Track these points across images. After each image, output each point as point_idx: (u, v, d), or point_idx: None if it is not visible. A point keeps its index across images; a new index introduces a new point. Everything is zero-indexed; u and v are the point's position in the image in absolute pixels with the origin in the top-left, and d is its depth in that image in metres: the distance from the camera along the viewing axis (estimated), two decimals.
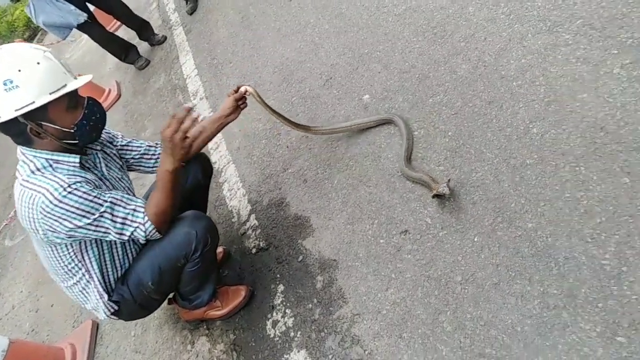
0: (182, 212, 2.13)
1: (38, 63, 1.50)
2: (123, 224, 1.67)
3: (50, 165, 1.62)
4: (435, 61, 2.31)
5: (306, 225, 2.30)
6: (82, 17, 4.29)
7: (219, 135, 3.26)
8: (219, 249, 2.55)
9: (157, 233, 1.74)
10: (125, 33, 5.53)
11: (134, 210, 1.69)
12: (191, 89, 4.08)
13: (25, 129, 1.54)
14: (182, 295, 2.15)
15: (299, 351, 1.93)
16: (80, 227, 1.59)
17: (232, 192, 2.84)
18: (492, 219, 1.72)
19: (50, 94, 1.51)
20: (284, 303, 2.11)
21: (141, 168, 2.14)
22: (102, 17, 5.05)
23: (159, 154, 2.11)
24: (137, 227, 1.68)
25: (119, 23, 5.83)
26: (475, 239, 1.72)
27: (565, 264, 1.49)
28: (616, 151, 1.57)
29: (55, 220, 1.55)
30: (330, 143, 2.51)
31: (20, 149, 1.65)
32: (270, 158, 2.78)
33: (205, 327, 2.34)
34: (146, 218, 1.69)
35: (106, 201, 1.62)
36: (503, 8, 2.21)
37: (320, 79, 2.86)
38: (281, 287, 2.17)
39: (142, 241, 1.76)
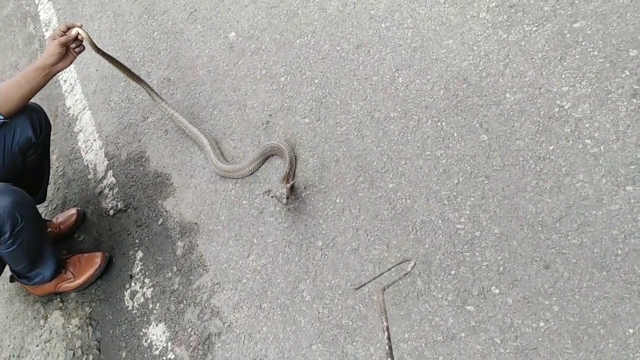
0: (14, 179, 1.82)
1: None
2: None
3: None
4: None
5: (167, 184, 2.06)
6: None
7: (74, 75, 2.82)
8: (72, 211, 2.24)
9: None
10: None
11: None
12: (43, 17, 3.46)
13: None
14: (19, 274, 1.87)
15: (157, 325, 1.77)
16: None
17: (88, 143, 2.47)
18: (354, 179, 1.59)
19: None
20: (143, 272, 1.91)
21: None
22: None
23: None
24: None
25: None
26: (337, 200, 1.59)
27: (422, 228, 1.42)
28: (477, 105, 1.48)
29: None
30: (193, 88, 2.21)
31: None
32: (129, 104, 2.42)
33: (59, 299, 2.09)
34: None
35: None
36: None
37: (185, 10, 2.48)
38: (140, 254, 1.96)
39: None
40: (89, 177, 2.36)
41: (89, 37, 1.73)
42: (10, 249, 1.61)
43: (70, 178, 2.43)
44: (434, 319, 1.30)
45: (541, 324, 1.20)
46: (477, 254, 1.32)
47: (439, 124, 1.52)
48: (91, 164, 2.39)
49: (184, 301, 1.75)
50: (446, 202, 1.41)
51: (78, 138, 2.54)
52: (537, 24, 1.51)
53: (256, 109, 1.96)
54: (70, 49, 1.71)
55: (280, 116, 1.87)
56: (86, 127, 2.54)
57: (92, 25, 2.95)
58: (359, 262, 1.47)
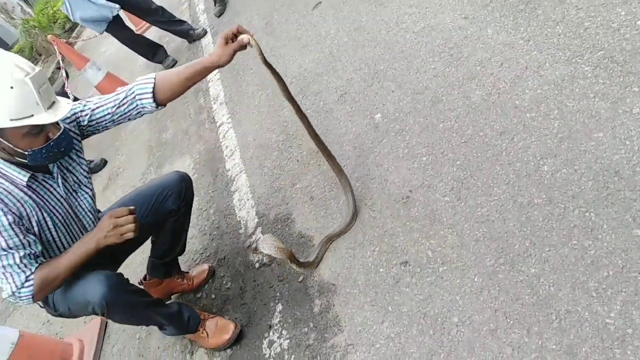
0: (152, 232, 2.15)
1: (11, 87, 1.45)
2: (4, 272, 1.59)
3: None
4: (450, 84, 2.23)
5: (309, 245, 2.27)
6: (115, 8, 4.41)
7: (235, 142, 3.28)
8: (204, 267, 2.54)
9: (29, 299, 1.62)
10: (157, 32, 5.60)
11: (18, 265, 1.60)
12: (212, 92, 4.10)
13: None
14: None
15: None
16: None
17: (242, 202, 2.83)
18: (494, 260, 1.64)
19: (11, 120, 1.47)
20: (281, 323, 2.09)
21: (122, 121, 1.91)
22: (132, 17, 5.13)
23: (133, 94, 1.84)
24: (12, 284, 1.59)
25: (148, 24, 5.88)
26: (475, 279, 1.65)
27: (566, 318, 1.41)
28: (630, 199, 1.47)
29: None
30: (339, 161, 2.45)
31: None
32: (280, 171, 2.76)
33: None
34: (30, 282, 1.61)
35: (3, 248, 1.57)
36: (522, 33, 2.11)
37: (335, 93, 2.81)
38: (280, 307, 2.15)
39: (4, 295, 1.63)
40: (240, 231, 2.68)
41: (259, 47, 1.73)
42: (116, 322, 1.88)
43: (223, 231, 2.77)
44: None
45: None
46: (629, 352, 1.27)
47: (586, 214, 1.53)
48: (243, 220, 2.72)
49: (318, 357, 1.87)
50: (594, 295, 1.39)
51: (233, 197, 2.92)
52: None
53: (397, 184, 2.12)
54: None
55: (421, 192, 2.00)
56: (241, 188, 2.91)
57: (253, 101, 3.45)
58: (497, 344, 1.49)
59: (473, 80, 2.16)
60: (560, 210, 1.59)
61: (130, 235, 1.71)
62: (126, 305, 1.78)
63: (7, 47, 10.95)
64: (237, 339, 2.15)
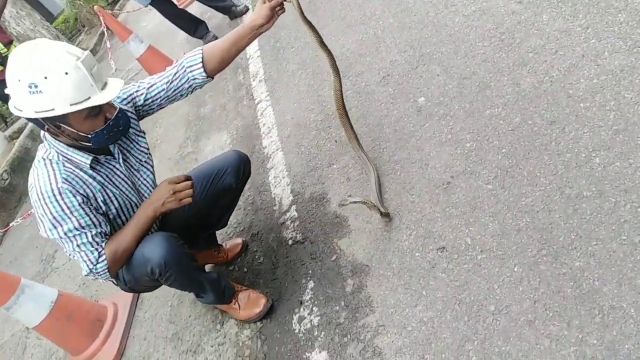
0: (204, 215, 2.19)
1: (66, 73, 1.50)
2: (79, 250, 1.70)
3: (59, 161, 1.69)
4: (499, 70, 2.17)
5: (344, 225, 2.27)
6: None
7: (272, 120, 3.29)
8: (238, 240, 2.58)
9: (105, 273, 1.72)
10: (199, 8, 5.63)
11: (91, 243, 1.70)
12: (252, 69, 4.11)
13: (44, 125, 1.63)
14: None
15: (320, 352, 1.92)
16: (49, 229, 1.68)
17: (277, 179, 2.85)
18: (536, 250, 1.61)
19: (71, 105, 1.53)
20: (312, 300, 2.11)
21: (175, 97, 1.97)
22: None
23: (183, 67, 1.89)
24: (87, 261, 1.69)
25: None
26: (515, 269, 1.62)
27: (610, 314, 1.37)
28: None
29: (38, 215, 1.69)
30: (378, 144, 2.44)
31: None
32: (317, 150, 2.75)
33: None
34: (103, 257, 1.70)
35: (76, 227, 1.67)
36: (581, 20, 2.03)
37: (378, 74, 2.78)
38: (311, 284, 2.17)
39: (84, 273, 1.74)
40: (274, 208, 2.70)
41: (299, 2, 1.78)
42: (169, 283, 1.89)
43: (258, 207, 2.80)
44: None
45: None
46: None
47: (639, 209, 1.48)
48: (278, 197, 2.74)
49: (348, 335, 1.88)
50: None
51: (269, 174, 2.94)
52: None
53: (438, 169, 2.09)
54: (274, 11, 1.77)
55: (463, 179, 1.97)
56: (277, 166, 2.93)
57: (292, 80, 3.45)
58: (534, 335, 1.46)
59: (524, 67, 2.10)
60: (610, 204, 1.54)
61: (189, 200, 1.80)
62: (182, 264, 1.84)
63: (52, 18, 11.24)
64: (268, 313, 2.18)
